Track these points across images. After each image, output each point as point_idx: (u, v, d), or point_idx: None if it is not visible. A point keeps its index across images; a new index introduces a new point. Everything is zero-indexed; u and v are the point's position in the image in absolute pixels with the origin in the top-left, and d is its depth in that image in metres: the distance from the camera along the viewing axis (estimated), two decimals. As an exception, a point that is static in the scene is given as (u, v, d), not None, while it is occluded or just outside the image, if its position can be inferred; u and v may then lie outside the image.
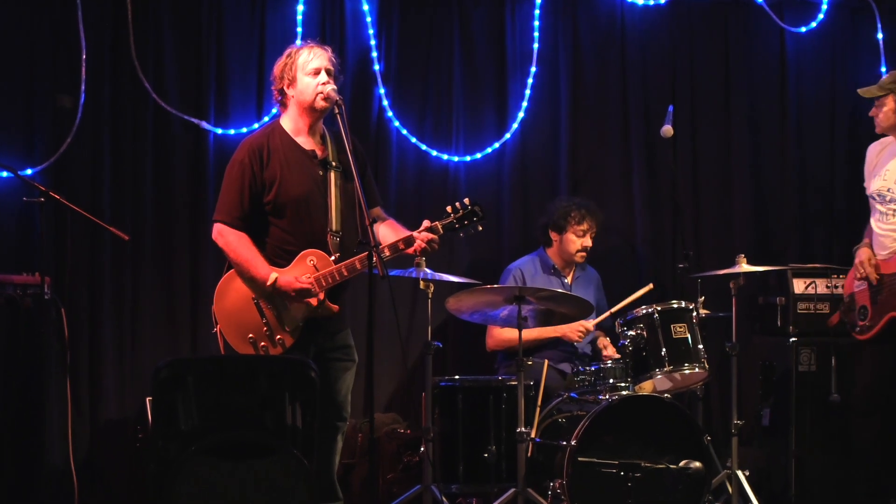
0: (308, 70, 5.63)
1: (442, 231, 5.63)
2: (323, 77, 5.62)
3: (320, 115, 5.66)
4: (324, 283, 5.54)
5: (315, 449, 4.88)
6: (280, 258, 5.60)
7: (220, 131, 7.38)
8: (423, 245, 5.59)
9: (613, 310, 7.03)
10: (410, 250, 5.62)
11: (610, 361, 6.59)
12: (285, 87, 5.69)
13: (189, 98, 7.39)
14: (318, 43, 5.76)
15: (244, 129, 7.36)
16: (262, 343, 5.57)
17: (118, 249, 7.13)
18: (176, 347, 7.26)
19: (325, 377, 5.54)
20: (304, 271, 5.54)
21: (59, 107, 7.11)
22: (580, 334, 7.02)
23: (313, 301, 5.54)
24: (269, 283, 5.51)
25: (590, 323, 7.04)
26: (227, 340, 5.62)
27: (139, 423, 6.91)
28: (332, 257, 5.58)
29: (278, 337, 5.57)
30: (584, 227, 7.22)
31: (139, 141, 7.29)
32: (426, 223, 5.62)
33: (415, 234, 5.60)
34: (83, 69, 7.10)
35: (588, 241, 7.25)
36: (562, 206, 7.28)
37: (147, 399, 6.78)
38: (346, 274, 5.54)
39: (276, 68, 5.73)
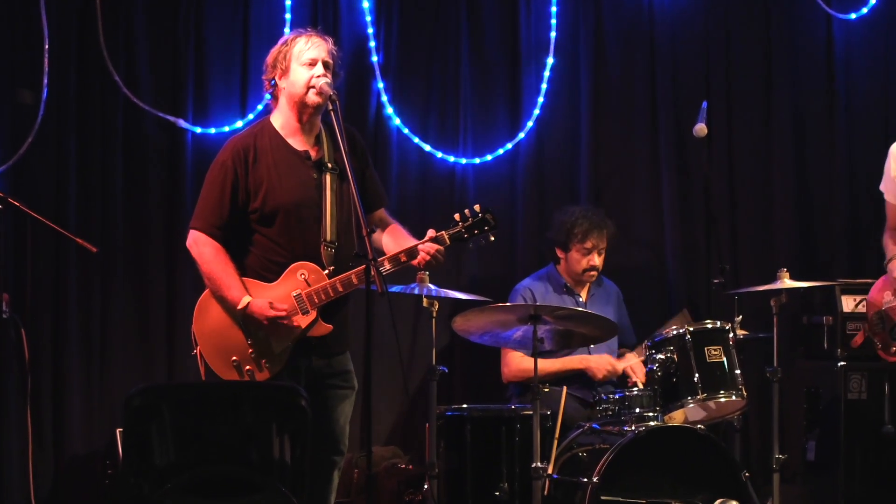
0: (303, 60, 5.63)
1: (449, 242, 5.63)
2: (318, 69, 5.61)
3: (313, 111, 5.65)
4: (316, 300, 5.54)
5: (306, 486, 4.88)
6: (268, 271, 5.60)
7: (198, 130, 7.41)
8: (428, 257, 5.59)
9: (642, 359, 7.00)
10: (414, 262, 5.62)
11: (636, 388, 6.60)
12: (277, 78, 5.69)
13: (164, 93, 7.41)
14: (318, 32, 5.75)
15: (226, 129, 7.39)
16: (248, 367, 5.57)
17: (85, 263, 7.14)
18: (150, 373, 7.28)
19: (321, 406, 5.55)
20: (295, 286, 5.54)
21: (19, 103, 7.13)
22: (606, 374, 7.03)
23: (292, 330, 5.55)
24: (239, 308, 5.52)
25: (619, 365, 7.05)
26: (207, 364, 5.61)
27: (108, 458, 6.92)
28: (326, 271, 5.58)
29: (265, 361, 5.57)
30: (588, 244, 7.21)
31: (108, 141, 7.31)
32: (431, 232, 5.63)
33: (419, 244, 5.61)
34: (45, 60, 7.12)
35: (595, 260, 7.24)
36: (564, 220, 7.27)
37: (117, 430, 6.80)
38: (340, 290, 5.54)
39: (270, 56, 5.72)
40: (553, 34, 7.97)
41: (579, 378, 7.09)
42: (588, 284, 7.34)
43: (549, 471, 6.28)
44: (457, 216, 5.66)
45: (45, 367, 7.08)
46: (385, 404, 7.61)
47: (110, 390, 7.22)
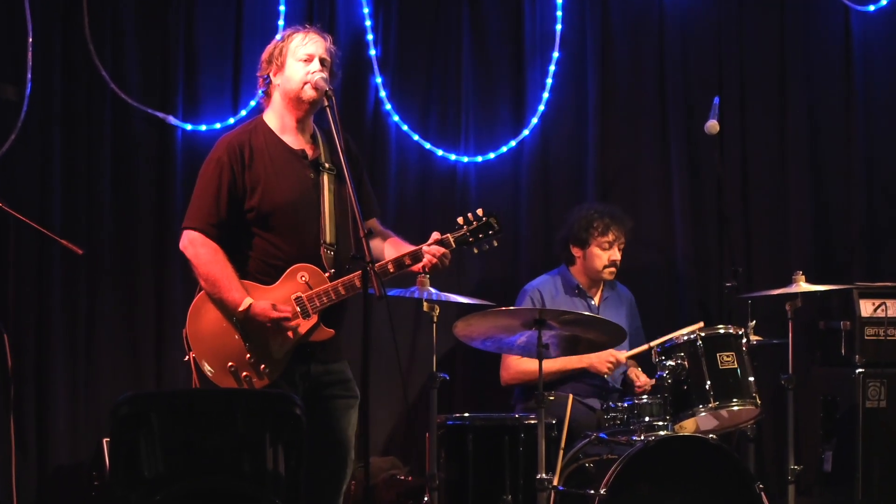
0: (300, 56, 5.63)
1: (454, 245, 5.63)
2: (315, 65, 5.60)
3: (309, 107, 5.65)
4: (317, 304, 5.52)
5: (301, 498, 4.87)
6: (265, 274, 5.58)
7: (189, 127, 7.41)
8: (435, 260, 5.58)
9: (653, 343, 6.99)
10: (417, 266, 5.60)
11: (645, 396, 6.58)
12: (272, 75, 5.69)
13: (153, 88, 7.41)
14: (317, 29, 5.75)
15: (217, 126, 7.39)
16: (245, 373, 5.54)
17: (71, 265, 7.13)
18: (138, 380, 7.27)
19: (325, 416, 5.57)
20: (295, 289, 5.53)
21: (2, 98, 7.12)
22: (610, 366, 7.02)
23: (294, 334, 5.53)
24: (240, 309, 5.49)
25: (622, 354, 7.03)
26: (201, 370, 5.59)
27: (94, 468, 6.91)
28: (327, 273, 5.57)
29: (263, 366, 5.55)
30: (610, 237, 7.22)
31: (95, 138, 7.30)
32: (436, 235, 5.63)
33: (424, 247, 5.60)
34: (29, 54, 7.11)
35: (616, 254, 7.25)
36: (581, 216, 7.28)
37: (104, 440, 6.78)
38: (342, 293, 5.53)
39: (265, 52, 5.73)
40: (559, 27, 7.97)
41: (586, 385, 7.08)
42: (601, 288, 7.34)
43: (555, 482, 6.27)
44: (460, 220, 5.66)
45: (28, 374, 7.07)
46: (384, 413, 7.60)
47: (96, 398, 7.21)
